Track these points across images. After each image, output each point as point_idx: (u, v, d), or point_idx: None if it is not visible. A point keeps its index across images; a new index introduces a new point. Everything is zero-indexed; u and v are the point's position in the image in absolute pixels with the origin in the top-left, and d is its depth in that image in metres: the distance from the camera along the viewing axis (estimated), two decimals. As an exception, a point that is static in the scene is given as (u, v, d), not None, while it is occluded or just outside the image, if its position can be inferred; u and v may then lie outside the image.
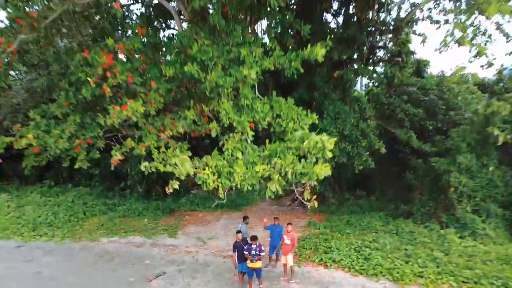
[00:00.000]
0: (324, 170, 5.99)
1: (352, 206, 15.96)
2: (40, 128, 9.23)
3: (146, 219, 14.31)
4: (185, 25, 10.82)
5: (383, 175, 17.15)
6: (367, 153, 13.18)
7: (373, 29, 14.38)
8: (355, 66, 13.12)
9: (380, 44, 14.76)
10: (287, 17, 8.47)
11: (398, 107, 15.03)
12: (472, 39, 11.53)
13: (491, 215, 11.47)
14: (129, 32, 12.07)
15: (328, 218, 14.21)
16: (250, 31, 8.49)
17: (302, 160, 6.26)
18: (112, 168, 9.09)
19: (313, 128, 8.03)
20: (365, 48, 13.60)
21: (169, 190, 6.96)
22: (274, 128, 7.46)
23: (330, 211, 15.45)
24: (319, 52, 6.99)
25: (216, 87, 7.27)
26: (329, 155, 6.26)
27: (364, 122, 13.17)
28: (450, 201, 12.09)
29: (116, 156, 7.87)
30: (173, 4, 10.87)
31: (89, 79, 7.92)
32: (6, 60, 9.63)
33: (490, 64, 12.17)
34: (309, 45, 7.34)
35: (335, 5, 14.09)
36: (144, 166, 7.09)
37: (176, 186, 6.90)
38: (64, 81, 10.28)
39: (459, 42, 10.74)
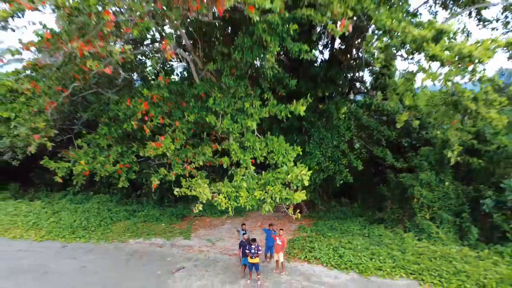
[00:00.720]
0: (300, 196, 8.77)
1: (337, 213, 18.72)
2: (89, 155, 12.03)
3: (163, 224, 17.09)
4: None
5: (365, 186, 19.94)
6: (347, 169, 15.98)
7: (354, 63, 17.17)
8: (336, 99, 15.87)
9: (361, 76, 17.56)
10: (279, 73, 11.21)
11: (375, 129, 17.86)
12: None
13: (444, 221, 14.25)
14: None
15: (316, 223, 16.95)
16: (250, 84, 11.25)
17: (287, 188, 9.03)
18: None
19: (302, 153, 10.82)
20: (346, 84, 16.40)
21: (195, 210, 9.71)
22: (268, 161, 10.25)
23: (318, 216, 18.24)
24: (301, 108, 9.77)
25: (226, 131, 10.08)
26: (306, 184, 9.05)
27: (344, 144, 15.95)
28: (413, 210, 14.86)
29: (155, 182, 10.66)
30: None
31: (132, 122, 10.71)
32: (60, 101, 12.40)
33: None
34: (294, 101, 10.13)
35: (320, 47, 16.87)
36: (176, 191, 9.86)
37: (201, 208, 9.69)
38: (104, 116, 13.12)
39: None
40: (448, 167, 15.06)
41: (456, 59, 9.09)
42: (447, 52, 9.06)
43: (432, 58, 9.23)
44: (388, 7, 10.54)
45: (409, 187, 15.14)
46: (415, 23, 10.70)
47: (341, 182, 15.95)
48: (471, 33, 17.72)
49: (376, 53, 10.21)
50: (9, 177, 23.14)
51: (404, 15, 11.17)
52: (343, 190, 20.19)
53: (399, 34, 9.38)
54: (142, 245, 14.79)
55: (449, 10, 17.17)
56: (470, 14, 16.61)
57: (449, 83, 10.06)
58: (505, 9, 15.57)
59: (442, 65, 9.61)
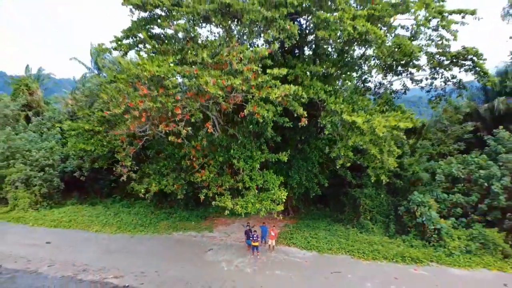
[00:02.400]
0: (280, 208, 16.61)
1: (313, 215, 26.50)
2: (155, 179, 19.85)
3: (193, 222, 24.87)
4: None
5: (334, 196, 27.68)
6: (318, 185, 23.78)
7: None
8: (309, 140, 23.66)
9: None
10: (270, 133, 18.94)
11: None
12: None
13: (378, 221, 22.14)
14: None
15: (298, 222, 24.72)
16: (253, 136, 19.08)
17: (273, 203, 16.83)
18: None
19: (287, 176, 18.61)
20: (316, 130, 24.19)
21: (226, 213, 17.50)
22: (264, 186, 18.04)
23: (300, 217, 26.01)
24: (284, 158, 17.59)
25: (241, 168, 17.89)
26: (283, 200, 16.91)
27: (316, 168, 23.70)
28: (360, 213, 22.76)
29: (202, 195, 18.41)
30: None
31: (187, 161, 18.55)
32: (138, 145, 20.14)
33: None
34: (280, 152, 17.98)
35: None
36: (213, 203, 17.64)
37: (227, 212, 17.47)
38: (162, 153, 20.96)
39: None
40: (383, 185, 22.89)
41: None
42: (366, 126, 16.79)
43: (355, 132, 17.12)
44: (335, 96, 18.34)
45: (358, 198, 23.04)
46: (351, 102, 18.61)
47: (313, 194, 23.81)
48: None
49: (327, 124, 18.02)
50: (71, 187, 30.87)
51: (345, 98, 18.96)
52: (320, 198, 27.90)
53: (340, 116, 17.14)
54: (182, 236, 22.63)
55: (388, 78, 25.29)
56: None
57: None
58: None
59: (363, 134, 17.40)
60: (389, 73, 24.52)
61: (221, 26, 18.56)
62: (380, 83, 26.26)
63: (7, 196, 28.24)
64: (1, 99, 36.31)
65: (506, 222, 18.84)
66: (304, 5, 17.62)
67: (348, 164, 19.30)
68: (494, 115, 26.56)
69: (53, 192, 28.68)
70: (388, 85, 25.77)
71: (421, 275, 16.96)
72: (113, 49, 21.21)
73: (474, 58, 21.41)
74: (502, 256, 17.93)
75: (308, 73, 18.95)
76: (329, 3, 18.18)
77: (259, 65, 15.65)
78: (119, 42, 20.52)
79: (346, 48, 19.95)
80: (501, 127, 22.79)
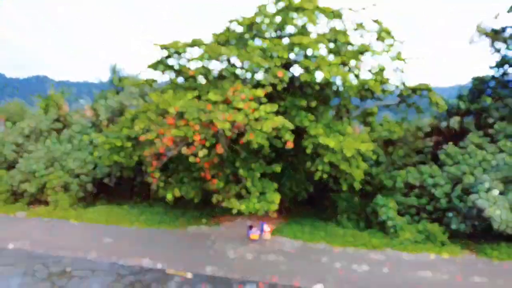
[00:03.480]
0: (274, 208, 22.42)
1: (302, 214, 32.32)
2: (177, 187, 25.69)
3: (203, 220, 30.65)
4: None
5: (319, 198, 33.55)
6: (305, 191, 29.63)
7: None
8: (299, 156, 29.49)
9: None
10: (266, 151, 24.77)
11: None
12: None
13: (351, 218, 28.04)
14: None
15: (288, 220, 30.50)
16: (253, 157, 24.96)
17: (269, 204, 22.62)
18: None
19: (280, 183, 24.52)
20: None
21: (234, 212, 23.32)
22: (262, 191, 23.85)
23: (290, 216, 31.78)
24: (278, 169, 23.47)
25: (245, 177, 23.74)
26: (277, 202, 22.72)
27: (303, 177, 29.50)
28: (338, 213, 28.63)
29: (214, 199, 24.22)
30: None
31: (202, 173, 24.40)
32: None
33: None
34: (275, 165, 23.84)
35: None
36: (223, 205, 23.44)
37: (235, 211, 23.28)
38: (182, 165, 26.81)
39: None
40: (356, 190, 28.71)
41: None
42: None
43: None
44: (315, 123, 24.18)
45: (336, 201, 28.91)
46: (328, 127, 24.52)
47: (301, 198, 29.72)
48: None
49: (308, 145, 23.87)
50: (100, 190, 36.62)
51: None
52: (307, 201, 33.66)
53: (318, 139, 23.00)
54: (196, 230, 28.45)
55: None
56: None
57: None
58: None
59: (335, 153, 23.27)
60: (363, 100, 30.39)
61: (230, 72, 24.49)
62: (357, 106, 32.14)
63: (48, 198, 34.01)
64: (36, 115, 42.17)
65: (444, 219, 24.75)
66: (291, 58, 23.54)
67: (325, 176, 24.97)
68: (451, 132, 32.50)
69: (87, 195, 34.49)
70: (363, 108, 31.67)
71: (378, 258, 22.86)
72: (144, 82, 27.31)
73: (426, 91, 27.49)
74: (440, 244, 23.85)
75: (295, 105, 24.85)
76: (311, 54, 24.05)
77: (257, 102, 21.56)
78: (148, 80, 26.62)
79: (325, 86, 25.81)
80: (450, 143, 28.70)
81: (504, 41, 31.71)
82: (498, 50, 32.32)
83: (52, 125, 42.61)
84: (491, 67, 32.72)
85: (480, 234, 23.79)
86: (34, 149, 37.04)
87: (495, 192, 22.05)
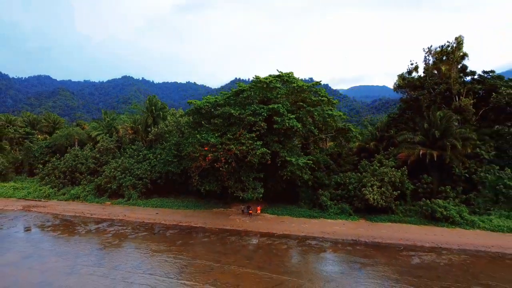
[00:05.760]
0: (259, 196, 42.90)
1: (280, 201, 52.71)
2: (207, 184, 46.44)
3: (221, 204, 51.19)
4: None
5: (291, 191, 53.91)
6: (281, 187, 50.20)
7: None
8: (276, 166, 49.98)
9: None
10: (256, 164, 45.24)
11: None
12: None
13: (306, 202, 48.58)
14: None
15: (270, 204, 50.96)
16: (249, 167, 45.64)
17: (258, 194, 43.05)
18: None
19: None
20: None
21: (239, 199, 43.70)
22: (254, 187, 44.29)
23: (272, 202, 52.26)
24: (262, 190, 44.05)
25: (245, 179, 44.32)
26: (262, 193, 43.27)
27: (280, 178, 49.92)
28: (299, 200, 49.19)
29: (230, 191, 44.71)
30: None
31: (221, 176, 45.07)
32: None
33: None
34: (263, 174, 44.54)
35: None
36: (235, 194, 43.77)
37: (241, 198, 43.67)
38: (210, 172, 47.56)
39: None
40: (310, 186, 49.12)
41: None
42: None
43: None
44: (284, 149, 44.90)
45: (299, 192, 49.49)
46: (291, 151, 45.43)
47: (278, 191, 50.36)
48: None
49: (278, 161, 44.58)
50: (154, 187, 57.25)
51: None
52: (283, 192, 53.99)
53: (284, 157, 43.78)
54: (218, 210, 49.10)
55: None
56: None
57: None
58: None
59: (294, 165, 44.06)
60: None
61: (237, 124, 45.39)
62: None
63: (123, 193, 54.72)
64: (106, 138, 63.31)
65: (352, 202, 45.33)
66: (269, 114, 44.38)
67: (289, 178, 45.49)
68: (373, 149, 53.20)
69: (147, 191, 55.24)
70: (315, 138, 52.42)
71: (315, 221, 43.36)
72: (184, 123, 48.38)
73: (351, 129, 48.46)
74: (348, 215, 44.37)
75: (272, 139, 45.49)
76: (281, 111, 44.68)
77: (252, 139, 42.31)
78: (185, 117, 47.71)
79: (288, 130, 46.44)
80: (364, 159, 49.42)
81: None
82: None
83: (114, 144, 63.68)
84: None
85: (366, 209, 44.16)
86: (111, 161, 58.03)
87: (374, 187, 42.69)
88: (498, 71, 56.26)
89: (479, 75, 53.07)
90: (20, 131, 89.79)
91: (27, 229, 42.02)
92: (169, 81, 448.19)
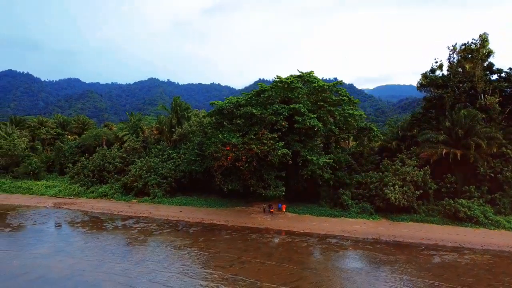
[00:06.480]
0: (281, 194, 43.57)
1: (302, 200, 53.01)
2: (230, 183, 47.48)
3: (242, 202, 52.10)
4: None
5: (312, 190, 54.26)
6: (303, 186, 50.66)
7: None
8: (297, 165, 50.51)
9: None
10: (277, 163, 45.90)
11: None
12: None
13: (327, 202, 48.82)
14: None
15: (292, 203, 51.44)
16: (271, 166, 46.34)
17: (280, 192, 43.73)
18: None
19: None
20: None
21: (261, 197, 44.50)
22: (276, 185, 44.99)
23: (294, 201, 52.71)
24: (283, 189, 44.69)
25: (267, 177, 45.09)
26: (283, 191, 43.96)
27: (301, 177, 50.41)
28: (320, 199, 49.48)
29: (252, 189, 45.59)
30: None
31: (243, 175, 46.03)
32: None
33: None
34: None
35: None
36: (257, 191, 44.59)
37: (263, 195, 44.44)
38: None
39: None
40: (331, 185, 49.34)
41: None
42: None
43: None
44: (305, 148, 45.36)
45: (320, 192, 49.78)
46: (311, 150, 45.87)
47: (299, 190, 50.77)
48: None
49: (299, 160, 45.06)
50: (177, 186, 58.79)
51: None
52: (304, 191, 54.41)
53: (306, 157, 44.24)
54: (240, 208, 50.03)
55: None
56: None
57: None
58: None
59: (315, 165, 44.46)
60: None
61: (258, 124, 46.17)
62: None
63: (148, 191, 56.47)
64: (133, 139, 65.43)
65: (373, 201, 45.23)
66: (290, 113, 44.93)
67: (309, 177, 45.92)
68: (395, 149, 52.84)
69: (171, 189, 56.79)
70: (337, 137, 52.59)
71: (335, 221, 43.59)
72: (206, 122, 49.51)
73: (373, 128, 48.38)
74: (369, 214, 44.32)
75: (293, 139, 46.01)
76: (302, 110, 45.16)
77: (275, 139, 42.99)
78: (211, 118, 48.87)
79: (309, 129, 46.84)
80: (386, 158, 49.19)
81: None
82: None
83: (139, 144, 65.66)
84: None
85: (388, 208, 43.96)
86: (137, 161, 59.94)
87: (396, 186, 42.52)
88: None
89: (506, 72, 51.72)
90: (51, 132, 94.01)
91: (58, 225, 44.21)
92: (194, 83, 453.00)
